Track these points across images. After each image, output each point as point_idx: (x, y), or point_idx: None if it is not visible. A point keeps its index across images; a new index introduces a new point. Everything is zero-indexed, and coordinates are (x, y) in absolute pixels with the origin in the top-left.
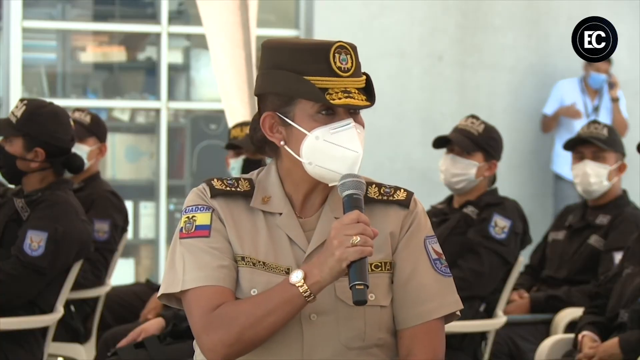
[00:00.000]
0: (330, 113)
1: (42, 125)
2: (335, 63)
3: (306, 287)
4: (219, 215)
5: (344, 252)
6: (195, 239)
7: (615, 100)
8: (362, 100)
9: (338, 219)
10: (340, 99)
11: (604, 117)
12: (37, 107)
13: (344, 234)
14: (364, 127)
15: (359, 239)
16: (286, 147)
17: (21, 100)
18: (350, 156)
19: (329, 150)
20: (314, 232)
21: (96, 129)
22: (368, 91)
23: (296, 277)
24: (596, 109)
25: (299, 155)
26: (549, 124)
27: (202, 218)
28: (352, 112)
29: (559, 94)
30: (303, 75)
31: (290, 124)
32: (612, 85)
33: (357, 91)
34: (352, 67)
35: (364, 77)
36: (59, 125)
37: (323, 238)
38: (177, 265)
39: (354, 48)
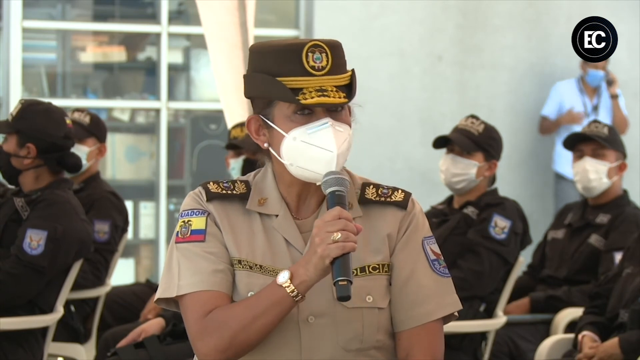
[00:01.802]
0: (308, 113)
1: (33, 122)
2: (308, 62)
3: (293, 287)
4: (215, 219)
5: (326, 249)
6: (191, 244)
7: (614, 97)
8: (339, 97)
9: (320, 217)
10: (312, 97)
11: (604, 116)
12: (31, 105)
13: (325, 231)
14: (350, 125)
15: (340, 235)
16: (270, 149)
17: (20, 100)
18: (325, 156)
19: (307, 151)
20: (311, 233)
21: (96, 129)
22: (350, 88)
23: (283, 277)
24: (595, 108)
25: (280, 157)
26: (549, 127)
27: (198, 222)
28: (333, 110)
29: (557, 95)
30: (277, 77)
31: (271, 126)
32: (610, 82)
33: (334, 89)
34: (327, 64)
35: (348, 73)
36: (49, 122)
37: None
38: (173, 270)
39: (331, 46)
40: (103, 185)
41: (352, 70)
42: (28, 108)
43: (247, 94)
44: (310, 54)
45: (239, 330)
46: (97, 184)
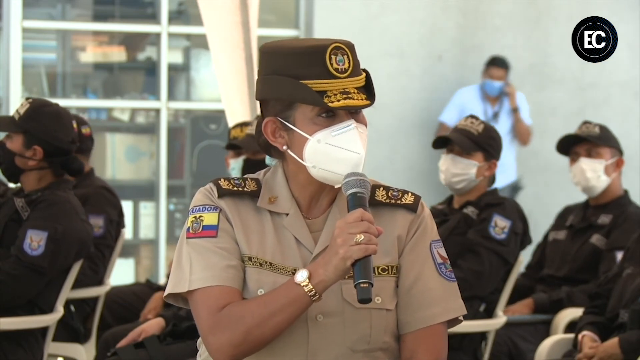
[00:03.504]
0: (330, 115)
1: (43, 124)
2: (332, 65)
3: (311, 287)
4: (227, 215)
5: (348, 250)
6: (203, 239)
7: (514, 110)
8: (362, 99)
9: (342, 218)
10: (339, 100)
11: (504, 123)
12: (40, 105)
13: (347, 232)
14: (366, 125)
15: (362, 237)
16: (289, 151)
17: (27, 98)
18: (352, 158)
19: (332, 153)
20: (321, 233)
21: None
22: (368, 89)
23: (301, 276)
24: (496, 115)
25: (302, 159)
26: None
27: (210, 218)
28: (354, 112)
29: (458, 101)
30: (300, 80)
31: (291, 129)
32: (508, 94)
33: (356, 91)
34: (349, 67)
35: (364, 75)
36: (59, 126)
37: (330, 239)
38: (184, 265)
39: (350, 47)
40: (96, 181)
41: (366, 71)
42: (38, 109)
43: (262, 96)
44: (333, 56)
45: (254, 326)
46: (91, 180)
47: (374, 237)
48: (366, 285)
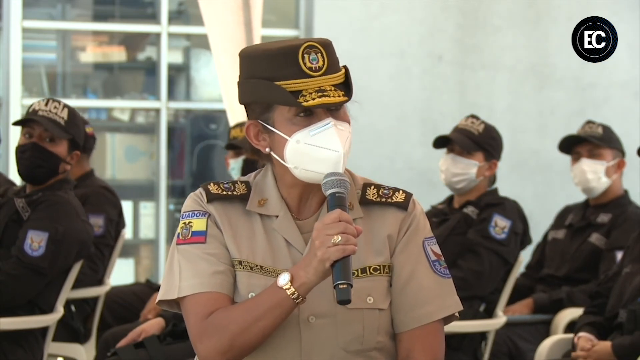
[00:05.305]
0: (308, 114)
1: (81, 129)
2: (305, 64)
3: (293, 290)
4: (215, 221)
5: (326, 252)
6: (192, 245)
7: None
8: (339, 96)
9: (320, 219)
10: (314, 99)
11: None
12: (74, 110)
13: (325, 234)
14: (349, 122)
15: (340, 238)
16: (272, 153)
17: (54, 100)
18: (332, 156)
19: (312, 153)
20: (312, 233)
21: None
22: (348, 85)
23: (283, 280)
24: None
25: (284, 161)
26: None
27: (198, 224)
28: (333, 109)
29: None
30: (275, 81)
31: (272, 131)
32: None
33: (333, 88)
34: (324, 65)
35: (342, 71)
36: (84, 129)
37: None
38: (174, 271)
39: (325, 45)
40: (96, 181)
41: (345, 67)
42: (74, 113)
43: (242, 100)
44: (306, 55)
45: (239, 333)
46: (91, 180)
47: (353, 237)
48: (345, 286)
